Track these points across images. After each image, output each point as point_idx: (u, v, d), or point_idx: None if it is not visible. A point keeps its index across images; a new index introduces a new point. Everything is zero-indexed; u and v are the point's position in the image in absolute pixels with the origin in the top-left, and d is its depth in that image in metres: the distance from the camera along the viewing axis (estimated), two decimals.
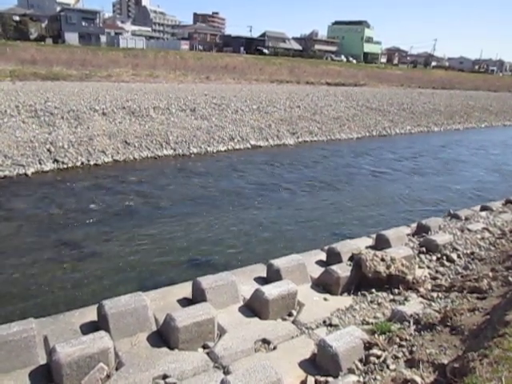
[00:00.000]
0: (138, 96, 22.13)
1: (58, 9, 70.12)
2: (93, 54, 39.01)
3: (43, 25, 65.72)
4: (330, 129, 21.97)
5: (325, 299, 5.10)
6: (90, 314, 4.46)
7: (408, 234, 7.32)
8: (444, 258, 6.27)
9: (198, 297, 4.76)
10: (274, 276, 5.31)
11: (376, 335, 4.09)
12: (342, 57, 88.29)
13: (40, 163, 12.42)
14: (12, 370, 3.63)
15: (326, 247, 6.42)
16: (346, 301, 5.07)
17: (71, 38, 59.30)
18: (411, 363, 3.54)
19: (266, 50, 76.59)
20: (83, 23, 66.40)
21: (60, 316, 4.47)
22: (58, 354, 3.51)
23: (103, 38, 66.42)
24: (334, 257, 6.02)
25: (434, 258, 6.34)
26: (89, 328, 4.22)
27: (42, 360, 3.78)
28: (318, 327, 4.54)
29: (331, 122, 23.27)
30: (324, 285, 5.35)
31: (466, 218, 8.20)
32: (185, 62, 42.13)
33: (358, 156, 18.15)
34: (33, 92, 20.55)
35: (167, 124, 17.64)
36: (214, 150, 16.46)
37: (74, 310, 4.61)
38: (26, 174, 11.84)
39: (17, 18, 60.95)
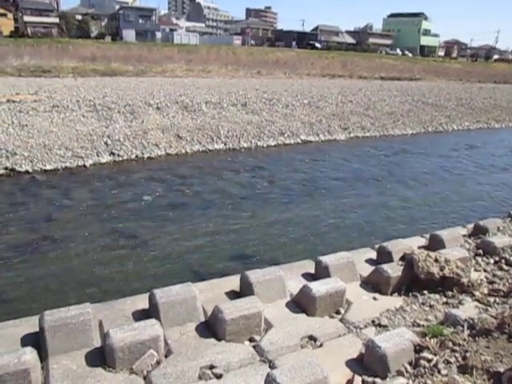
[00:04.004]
0: (190, 91, 22.61)
1: (117, 7, 72.89)
2: (148, 50, 40.24)
3: (103, 23, 68.68)
4: (383, 124, 21.37)
5: (374, 299, 5.00)
6: (141, 301, 4.62)
7: (464, 235, 7.00)
8: (503, 261, 5.95)
9: (245, 290, 4.80)
10: (322, 273, 5.26)
11: (427, 338, 3.95)
12: (398, 50, 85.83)
13: (97, 155, 12.98)
14: (70, 351, 3.83)
15: (377, 246, 6.28)
16: (396, 301, 4.94)
17: (128, 35, 61.49)
18: (464, 369, 3.39)
19: (318, 44, 75.75)
20: (140, 20, 68.77)
21: (114, 302, 4.67)
22: (112, 338, 3.67)
23: (158, 35, 68.39)
24: (384, 256, 5.88)
25: (492, 261, 6.03)
26: (140, 315, 4.38)
27: (97, 343, 3.95)
28: (366, 327, 4.46)
29: (384, 117, 22.64)
30: (374, 284, 5.24)
31: None
32: (236, 57, 42.52)
33: (416, 152, 17.50)
34: (92, 87, 21.54)
35: (218, 118, 17.86)
36: (264, 145, 16.47)
37: (127, 298, 4.80)
38: (84, 166, 12.40)
39: (79, 17, 64.08)
